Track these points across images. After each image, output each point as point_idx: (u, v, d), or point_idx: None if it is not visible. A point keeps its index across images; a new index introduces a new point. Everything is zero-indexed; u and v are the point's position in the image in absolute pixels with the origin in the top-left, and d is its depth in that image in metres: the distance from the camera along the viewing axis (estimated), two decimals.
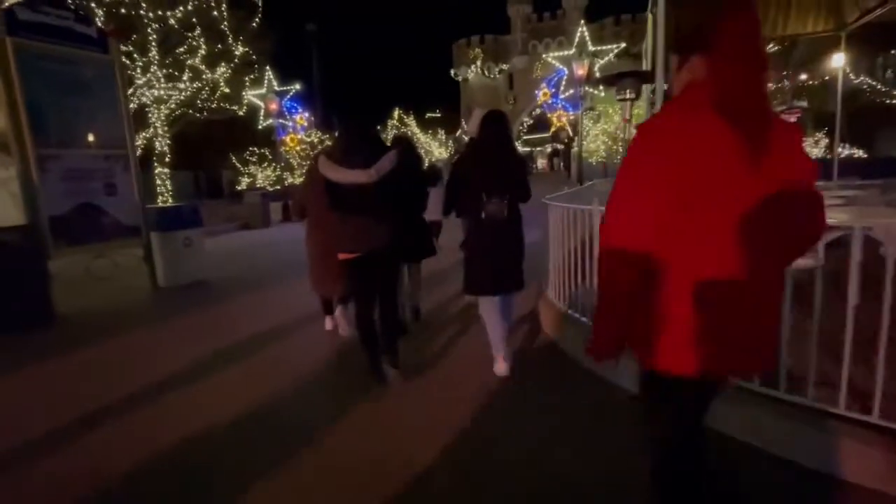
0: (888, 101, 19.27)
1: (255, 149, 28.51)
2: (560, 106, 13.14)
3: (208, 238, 13.53)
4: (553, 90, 13.13)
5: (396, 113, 30.36)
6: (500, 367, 3.35)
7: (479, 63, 36.61)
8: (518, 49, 36.80)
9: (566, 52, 12.51)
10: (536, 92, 13.10)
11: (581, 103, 12.42)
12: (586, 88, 12.50)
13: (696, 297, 1.22)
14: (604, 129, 25.66)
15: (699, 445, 1.44)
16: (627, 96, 5.74)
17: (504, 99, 37.72)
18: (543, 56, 13.00)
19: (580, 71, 12.29)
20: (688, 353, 1.25)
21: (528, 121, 39.41)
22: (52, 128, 5.93)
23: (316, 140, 30.59)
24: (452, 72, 38.24)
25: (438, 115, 32.62)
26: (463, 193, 3.22)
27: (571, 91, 12.57)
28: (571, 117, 13.40)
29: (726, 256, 1.19)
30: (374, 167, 2.94)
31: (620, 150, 22.93)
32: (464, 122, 34.61)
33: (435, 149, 32.23)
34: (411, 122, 30.83)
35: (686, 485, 1.42)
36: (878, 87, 19.39)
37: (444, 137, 33.01)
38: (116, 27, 6.64)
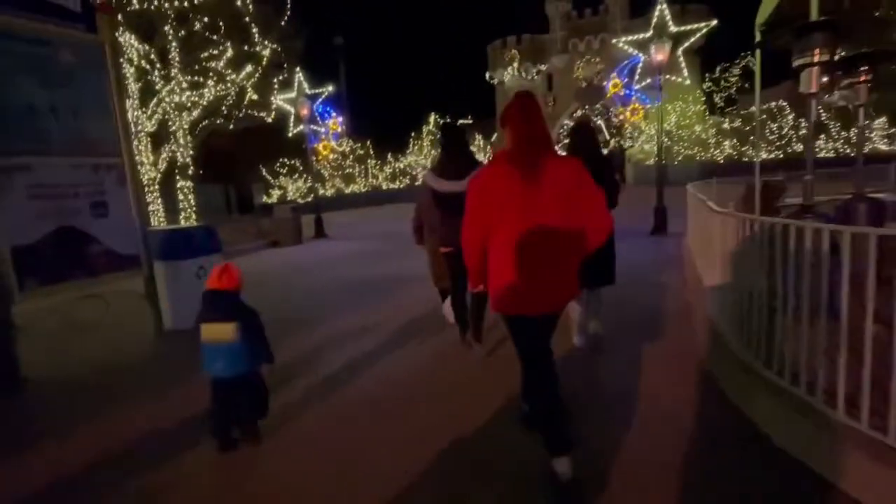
0: None
1: (286, 160, 27.44)
2: (635, 97, 11.27)
3: (236, 258, 12.15)
4: (625, 80, 11.26)
5: (432, 119, 28.91)
6: (577, 340, 4.11)
7: (515, 65, 34.85)
8: (557, 48, 34.91)
9: (641, 36, 10.57)
10: (605, 83, 11.30)
11: (661, 95, 10.46)
12: (667, 77, 10.56)
13: (502, 269, 2.27)
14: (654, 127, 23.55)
15: (541, 356, 2.40)
16: (817, 59, 3.85)
17: (543, 101, 35.80)
18: (613, 41, 11.01)
19: (659, 56, 10.37)
20: (504, 302, 2.33)
21: (568, 123, 37.39)
22: (17, 129, 4.44)
23: (347, 149, 29.36)
24: (488, 75, 36.61)
25: (470, 121, 30.88)
26: None
27: (648, 80, 10.61)
28: (649, 110, 11.46)
29: (519, 244, 2.21)
30: (465, 179, 3.54)
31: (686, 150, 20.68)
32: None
33: (475, 155, 30.58)
34: None
35: (536, 377, 2.42)
36: None
37: (481, 143, 31.28)
38: (107, 1, 5.13)
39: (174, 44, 11.40)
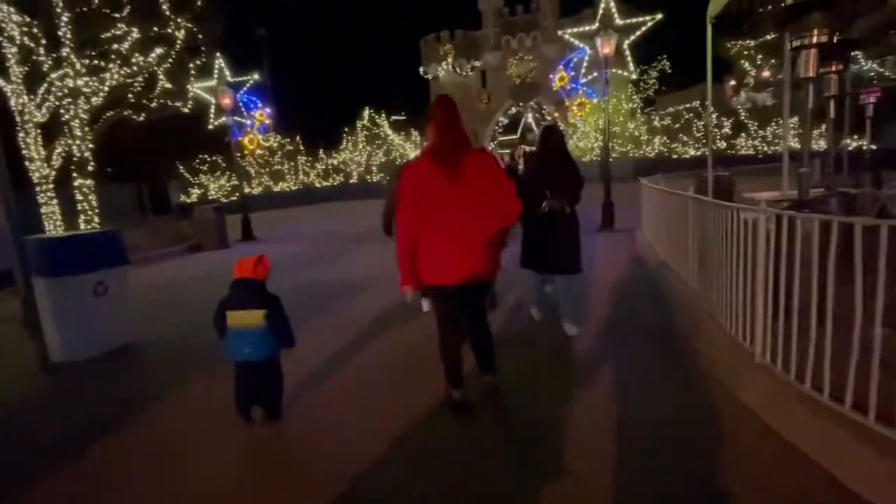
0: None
1: (206, 155, 25.32)
2: (581, 92, 11.03)
3: (149, 266, 10.68)
4: (572, 73, 11.01)
5: (367, 113, 27.77)
6: (535, 313, 4.72)
7: (450, 60, 34.38)
8: (490, 45, 34.81)
9: (587, 28, 10.33)
10: (551, 76, 10.98)
11: (607, 89, 10.26)
12: (614, 70, 10.38)
13: (429, 248, 2.69)
14: (596, 125, 23.91)
15: (456, 321, 2.94)
16: (815, 40, 3.54)
17: (477, 97, 35.68)
18: (559, 32, 10.70)
19: (606, 49, 10.14)
20: (429, 275, 2.75)
21: (503, 120, 37.55)
22: None
23: (275, 145, 27.60)
24: (422, 69, 35.86)
25: (403, 117, 30.07)
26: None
27: (595, 74, 10.40)
28: (595, 105, 11.27)
29: (441, 227, 2.65)
30: None
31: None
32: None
33: (410, 151, 29.71)
34: (383, 122, 28.28)
35: (448, 340, 2.92)
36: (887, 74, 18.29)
37: (418, 139, 30.52)
38: None
39: (64, 19, 9.75)
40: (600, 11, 10.38)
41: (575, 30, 10.76)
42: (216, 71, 12.78)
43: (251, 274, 3.00)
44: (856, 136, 21.15)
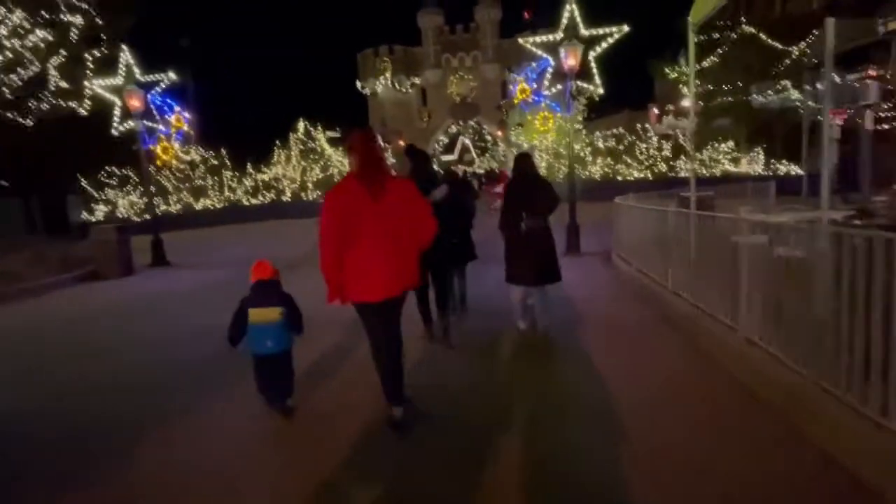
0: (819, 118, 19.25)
1: (115, 168, 22.37)
2: (544, 104, 10.20)
3: (24, 301, 8.52)
4: (534, 85, 10.16)
5: (302, 126, 25.83)
6: (521, 325, 5.00)
7: (388, 75, 33.33)
8: (431, 62, 34.15)
9: (550, 38, 9.57)
10: (512, 88, 10.07)
11: (573, 103, 9.50)
12: (579, 83, 9.67)
13: (352, 266, 2.85)
14: (539, 144, 23.55)
15: (384, 336, 3.05)
16: None
17: (417, 115, 34.81)
18: (520, 40, 9.88)
19: (570, 60, 9.39)
20: (354, 292, 2.90)
21: (443, 139, 36.88)
22: None
23: (198, 158, 25.02)
24: (359, 84, 34.51)
25: (338, 133, 28.45)
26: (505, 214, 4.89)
27: (559, 86, 9.62)
28: (560, 119, 10.47)
29: (363, 246, 2.82)
30: (431, 195, 4.25)
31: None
32: (380, 139, 30.77)
33: (349, 168, 28.06)
34: (320, 135, 26.47)
35: (381, 353, 3.07)
36: (810, 103, 19.28)
37: None
38: None
39: None
40: (564, 21, 9.66)
41: (537, 38, 9.97)
42: (123, 67, 10.80)
43: (270, 275, 3.45)
44: (785, 161, 22.32)
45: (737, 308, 3.98)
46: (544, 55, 10.01)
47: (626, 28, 9.54)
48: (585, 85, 9.94)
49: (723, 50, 19.71)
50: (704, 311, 4.74)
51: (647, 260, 6.84)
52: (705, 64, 20.17)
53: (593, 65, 9.73)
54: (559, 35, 9.76)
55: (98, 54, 10.05)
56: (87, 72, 10.10)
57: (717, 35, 20.00)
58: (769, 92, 19.45)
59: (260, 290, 3.39)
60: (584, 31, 9.63)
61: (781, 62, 18.73)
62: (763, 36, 18.24)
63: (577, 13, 9.64)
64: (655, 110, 31.83)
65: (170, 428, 3.40)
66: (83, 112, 10.42)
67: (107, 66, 10.56)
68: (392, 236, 2.86)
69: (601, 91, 10.00)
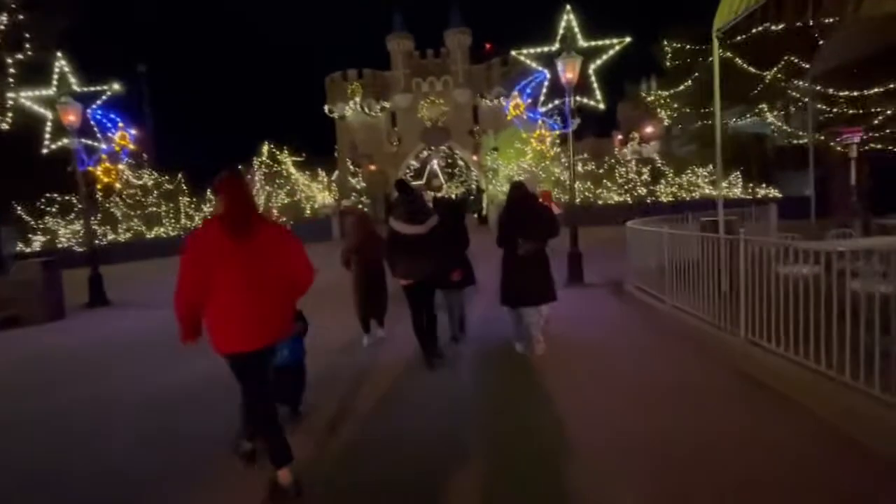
0: (795, 143, 19.25)
1: (55, 194, 20.27)
2: (541, 122, 9.30)
3: None
4: (528, 100, 9.29)
5: (266, 148, 24.36)
6: (519, 347, 5.18)
7: (357, 99, 32.34)
8: (401, 87, 33.41)
9: (545, 49, 8.72)
10: (505, 104, 9.17)
11: (571, 120, 8.61)
12: (578, 99, 8.83)
13: (217, 314, 2.71)
14: (516, 168, 22.85)
15: (255, 382, 2.87)
16: None
17: (387, 140, 33.82)
18: (513, 53, 8.96)
19: (569, 73, 8.54)
20: (220, 343, 2.73)
21: (414, 164, 35.95)
22: None
23: (150, 183, 23.14)
24: (327, 108, 33.33)
25: (302, 158, 27.08)
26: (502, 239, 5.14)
27: (557, 101, 8.73)
28: (556, 138, 9.56)
29: (235, 292, 2.67)
30: (425, 224, 4.67)
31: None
32: (349, 163, 29.56)
33: (318, 193, 26.57)
34: (286, 158, 25.02)
35: (253, 399, 2.96)
36: (784, 128, 19.31)
37: (325, 179, 27.54)
38: None
39: None
40: (561, 31, 8.85)
41: (532, 50, 9.10)
42: (55, 77, 9.31)
43: None
44: (764, 185, 22.33)
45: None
46: (540, 68, 9.16)
47: (627, 39, 8.80)
48: (587, 101, 9.09)
49: (695, 76, 19.65)
50: (807, 366, 3.70)
51: (690, 295, 5.80)
52: (681, 88, 20.12)
53: (593, 78, 8.92)
54: (556, 46, 8.95)
55: (20, 57, 8.55)
56: (10, 80, 8.59)
57: (689, 60, 20.03)
58: (747, 116, 19.50)
59: None
60: (582, 42, 8.83)
61: (755, 86, 18.76)
62: (738, 61, 18.20)
63: (574, 23, 8.85)
64: (620, 136, 32.02)
65: None
66: (4, 127, 8.83)
67: (35, 73, 9.05)
68: (258, 283, 2.75)
69: (602, 107, 9.16)
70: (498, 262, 5.28)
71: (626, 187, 21.54)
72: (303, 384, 3.88)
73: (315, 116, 34.39)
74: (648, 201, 20.89)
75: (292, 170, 24.79)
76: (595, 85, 9.01)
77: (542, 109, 9.22)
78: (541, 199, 6.92)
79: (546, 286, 5.06)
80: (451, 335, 5.67)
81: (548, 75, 9.11)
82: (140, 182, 22.61)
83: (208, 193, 24.48)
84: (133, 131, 10.01)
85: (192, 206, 24.36)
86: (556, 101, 8.88)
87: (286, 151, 24.90)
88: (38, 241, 21.02)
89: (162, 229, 22.84)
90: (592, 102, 9.07)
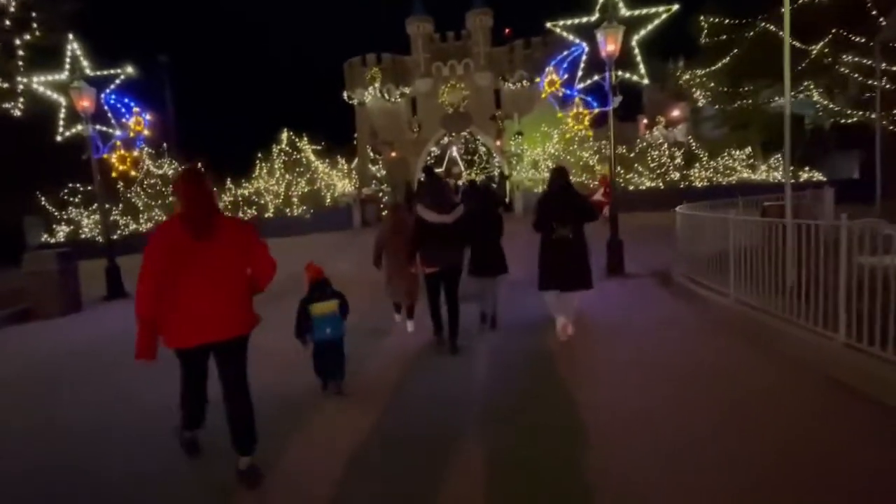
0: (844, 122, 18.00)
1: (78, 184, 20.23)
2: (578, 99, 8.58)
3: None
4: (564, 75, 8.56)
5: (285, 136, 23.95)
6: (560, 330, 5.18)
7: (377, 85, 31.65)
8: (421, 71, 32.59)
9: (584, 19, 7.99)
10: (540, 79, 8.48)
11: (612, 97, 7.92)
12: (620, 74, 8.11)
13: (176, 310, 2.78)
14: (542, 153, 22.06)
15: (223, 382, 3.02)
16: None
17: (408, 126, 33.13)
18: (548, 24, 8.23)
19: (610, 46, 7.86)
20: (174, 337, 2.86)
21: (435, 150, 35.23)
22: None
23: (171, 172, 22.95)
24: (346, 94, 32.73)
25: (321, 147, 26.55)
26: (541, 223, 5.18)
27: (597, 77, 8.02)
28: (595, 115, 8.84)
29: (188, 290, 2.76)
30: (451, 213, 4.82)
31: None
32: (369, 150, 29.05)
33: (337, 181, 26.15)
34: (305, 146, 24.60)
35: (190, 393, 3.17)
36: (831, 107, 18.04)
37: (345, 166, 27.06)
38: None
39: None
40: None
41: (568, 21, 8.36)
42: (68, 60, 8.93)
43: (322, 275, 4.23)
44: (806, 168, 21.10)
45: None
46: (578, 41, 8.41)
47: (675, 6, 7.99)
48: (628, 75, 8.33)
49: (735, 52, 18.46)
50: None
51: (758, 288, 5.13)
52: (718, 65, 18.94)
53: (636, 51, 8.15)
54: (595, 16, 8.19)
55: (28, 38, 8.15)
56: (19, 62, 8.23)
57: (727, 36, 18.83)
58: (792, 94, 18.10)
59: (318, 287, 4.14)
60: (624, 11, 8.06)
61: (800, 63, 17.54)
62: (781, 34, 16.96)
63: None
64: (645, 120, 30.74)
65: None
66: (17, 113, 8.51)
67: (46, 58, 8.67)
68: (218, 281, 2.83)
69: (646, 81, 8.41)
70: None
71: (658, 171, 20.53)
72: (343, 358, 4.21)
73: (334, 103, 33.51)
74: (681, 186, 19.93)
75: (312, 157, 24.38)
76: (639, 58, 8.24)
77: (580, 86, 8.49)
78: (600, 185, 7.52)
79: (583, 273, 5.09)
80: (482, 318, 5.78)
81: (586, 48, 8.37)
82: (161, 171, 22.45)
83: (228, 181, 24.28)
84: (148, 117, 9.62)
85: (214, 194, 24.21)
86: (596, 77, 8.16)
87: (305, 139, 24.46)
88: (62, 232, 21.09)
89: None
90: (636, 77, 8.31)
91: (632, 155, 20.82)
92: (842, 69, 17.20)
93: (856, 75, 16.95)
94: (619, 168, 21.02)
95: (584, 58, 8.44)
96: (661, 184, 20.24)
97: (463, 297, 5.26)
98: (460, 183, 30.45)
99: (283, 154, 23.87)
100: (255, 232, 3.06)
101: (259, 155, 24.33)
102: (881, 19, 15.47)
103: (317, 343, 4.07)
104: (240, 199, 23.85)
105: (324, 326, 4.02)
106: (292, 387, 4.40)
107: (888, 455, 2.78)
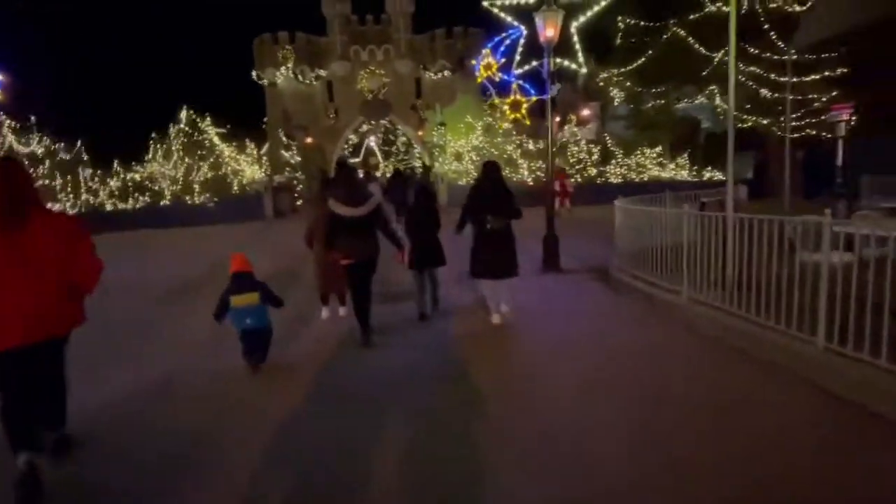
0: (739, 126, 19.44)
1: None
2: (516, 85, 8.12)
3: None
4: (501, 59, 8.05)
5: (185, 115, 21.48)
6: (495, 318, 5.51)
7: (290, 65, 29.58)
8: (338, 54, 30.92)
9: (521, 1, 7.58)
10: (475, 63, 7.94)
11: (550, 84, 7.63)
12: (558, 61, 7.81)
13: None
14: (466, 144, 21.72)
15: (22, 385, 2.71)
16: None
17: (324, 112, 31.39)
18: (484, 3, 7.71)
19: (549, 30, 7.58)
20: None
21: (353, 138, 33.78)
22: None
23: (41, 151, 19.72)
24: (255, 73, 30.25)
25: (225, 130, 24.34)
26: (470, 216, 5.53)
27: (535, 63, 7.67)
28: (532, 104, 8.45)
29: (4, 287, 2.54)
30: (364, 206, 4.87)
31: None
32: (282, 135, 26.99)
33: (246, 167, 24.00)
34: (208, 127, 22.26)
35: (11, 405, 2.73)
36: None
37: (254, 151, 24.91)
38: None
39: None
40: None
41: (506, 1, 7.88)
42: None
43: (247, 268, 4.47)
44: (709, 168, 22.64)
45: None
46: (515, 23, 7.96)
47: None
48: (569, 64, 8.04)
49: (649, 54, 19.29)
50: None
51: (717, 287, 4.96)
52: (630, 67, 19.72)
53: (576, 38, 7.88)
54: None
55: None
56: None
57: (645, 38, 19.63)
58: (696, 98, 19.48)
59: (238, 280, 4.42)
60: None
61: (705, 67, 18.68)
62: (691, 40, 17.96)
63: None
64: (557, 118, 31.73)
65: None
66: None
67: None
68: (32, 275, 2.64)
69: (584, 70, 8.18)
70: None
71: (577, 167, 21.04)
72: (263, 342, 4.49)
73: (242, 82, 30.98)
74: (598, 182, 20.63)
75: (217, 140, 22.17)
76: (578, 46, 7.97)
77: (518, 71, 8.08)
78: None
79: (512, 262, 5.44)
80: (420, 318, 5.90)
81: (524, 31, 7.95)
82: (28, 150, 19.21)
83: (115, 165, 21.44)
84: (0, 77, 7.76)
85: (96, 179, 21.17)
86: (534, 63, 7.77)
87: (209, 119, 22.16)
88: None
89: (58, 206, 19.64)
90: (574, 66, 8.04)
91: (554, 150, 21.13)
92: (741, 77, 18.54)
93: (750, 83, 18.35)
94: (540, 162, 21.30)
95: (521, 41, 8.02)
96: (579, 178, 20.77)
97: (404, 295, 5.56)
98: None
99: (182, 135, 21.43)
100: (79, 228, 2.91)
101: (153, 135, 21.66)
102: (772, 33, 16.87)
103: (240, 331, 4.40)
104: (129, 183, 21.12)
105: (243, 317, 4.33)
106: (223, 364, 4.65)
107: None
